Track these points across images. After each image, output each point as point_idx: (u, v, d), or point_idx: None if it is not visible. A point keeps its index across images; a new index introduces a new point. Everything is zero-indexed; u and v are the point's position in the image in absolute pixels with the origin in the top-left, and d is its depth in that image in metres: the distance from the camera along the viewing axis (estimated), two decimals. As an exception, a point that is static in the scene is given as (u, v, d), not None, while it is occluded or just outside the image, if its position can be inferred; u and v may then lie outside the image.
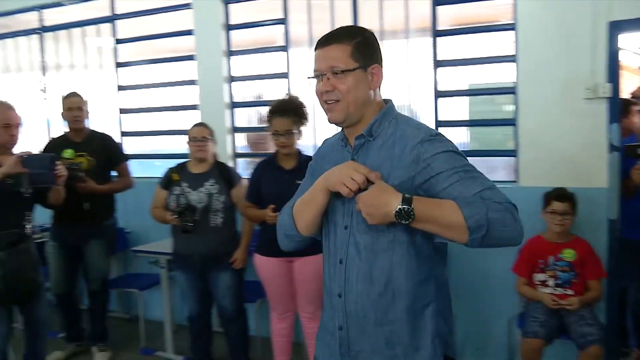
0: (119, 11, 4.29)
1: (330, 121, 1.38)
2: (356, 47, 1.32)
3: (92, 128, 3.56)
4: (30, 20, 4.73)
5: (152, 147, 4.79)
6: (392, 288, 1.30)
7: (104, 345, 3.56)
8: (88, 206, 3.30)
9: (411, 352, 1.32)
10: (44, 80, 4.78)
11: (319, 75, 1.35)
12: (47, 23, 4.68)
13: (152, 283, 3.77)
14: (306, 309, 2.89)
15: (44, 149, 3.43)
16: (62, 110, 3.40)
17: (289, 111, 2.77)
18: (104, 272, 3.54)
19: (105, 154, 3.44)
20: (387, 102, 1.42)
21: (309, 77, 1.38)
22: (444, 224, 1.21)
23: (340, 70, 1.31)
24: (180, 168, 3.09)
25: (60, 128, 3.71)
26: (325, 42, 1.35)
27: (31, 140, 4.43)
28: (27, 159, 2.61)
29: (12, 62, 4.96)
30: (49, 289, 3.33)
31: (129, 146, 4.38)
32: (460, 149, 1.33)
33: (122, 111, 4.42)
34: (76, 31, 4.57)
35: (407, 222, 1.20)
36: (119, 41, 4.34)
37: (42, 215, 3.27)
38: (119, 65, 4.37)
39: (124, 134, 4.41)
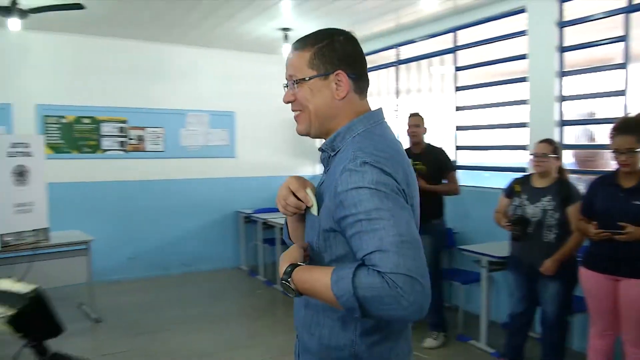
0: (460, 42, 5.01)
1: (298, 132, 1.33)
2: (316, 54, 1.24)
3: (428, 142, 4.23)
4: (389, 55, 5.99)
5: (482, 160, 5.31)
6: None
7: (438, 333, 4.09)
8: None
9: None
10: (397, 103, 5.93)
11: (285, 85, 1.31)
12: (402, 57, 5.83)
13: (472, 279, 4.29)
14: (629, 333, 2.78)
15: None
16: (406, 127, 4.16)
17: (632, 129, 2.72)
18: (434, 267, 3.99)
19: (436, 164, 4.05)
20: (370, 113, 1.29)
21: (284, 86, 1.32)
22: (324, 299, 1.11)
23: (297, 79, 1.26)
24: (524, 180, 3.34)
25: (406, 142, 4.45)
26: (291, 49, 1.30)
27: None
28: None
29: (374, 88, 6.32)
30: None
31: (462, 158, 5.05)
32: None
33: (458, 128, 5.11)
34: (424, 62, 5.56)
35: (292, 295, 1.16)
36: (458, 68, 5.06)
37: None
38: (458, 89, 5.08)
39: (458, 147, 5.09)
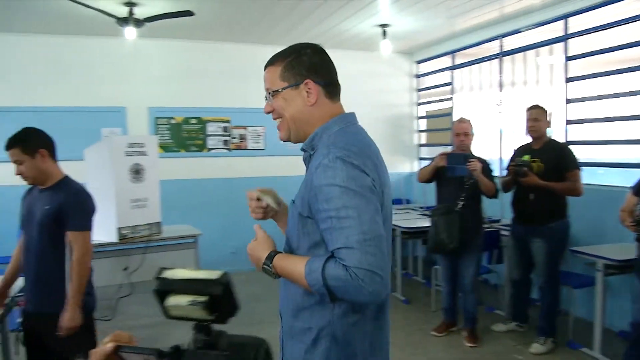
0: (571, 30, 4.66)
1: (280, 139, 1.48)
2: (285, 67, 1.39)
3: (552, 138, 3.97)
4: (492, 47, 5.72)
5: (595, 155, 4.93)
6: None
7: (546, 339, 3.86)
8: (533, 196, 3.82)
9: None
10: (501, 96, 5.65)
11: (265, 97, 1.45)
12: (506, 48, 5.53)
13: (585, 283, 4.00)
14: None
15: (513, 154, 4.07)
16: (525, 121, 3.92)
17: None
18: (549, 270, 3.85)
19: (556, 161, 3.78)
20: (344, 115, 1.44)
21: (264, 97, 1.45)
22: (300, 285, 1.31)
23: (272, 91, 1.41)
24: None
25: (523, 137, 4.18)
26: (266, 65, 1.44)
27: (487, 145, 5.44)
28: (448, 155, 3.94)
29: (476, 83, 6.08)
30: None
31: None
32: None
33: (569, 122, 4.76)
34: (530, 52, 5.24)
35: (273, 277, 1.37)
36: (569, 58, 4.71)
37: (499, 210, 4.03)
38: (568, 80, 4.74)
39: (569, 142, 4.73)
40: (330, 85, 1.43)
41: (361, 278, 1.17)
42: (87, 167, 4.27)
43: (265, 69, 1.44)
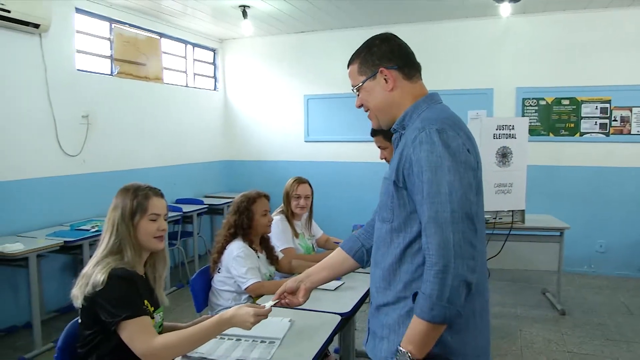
0: None
1: (373, 128, 1.62)
2: (360, 63, 1.50)
3: None
4: None
5: None
6: None
7: None
8: None
9: None
10: None
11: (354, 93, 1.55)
12: None
13: None
14: None
15: None
16: None
17: None
18: None
19: None
20: (430, 94, 1.48)
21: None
22: (435, 333, 1.28)
23: (356, 87, 1.52)
24: None
25: None
26: (347, 65, 1.55)
27: None
28: None
29: None
30: None
31: None
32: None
33: None
34: None
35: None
36: None
37: None
38: None
39: None
40: (406, 67, 1.48)
41: (444, 265, 1.22)
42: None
43: (348, 70, 1.55)
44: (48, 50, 4.47)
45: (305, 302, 1.77)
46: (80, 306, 1.78)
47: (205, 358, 1.74)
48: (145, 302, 1.82)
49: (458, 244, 1.22)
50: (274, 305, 1.72)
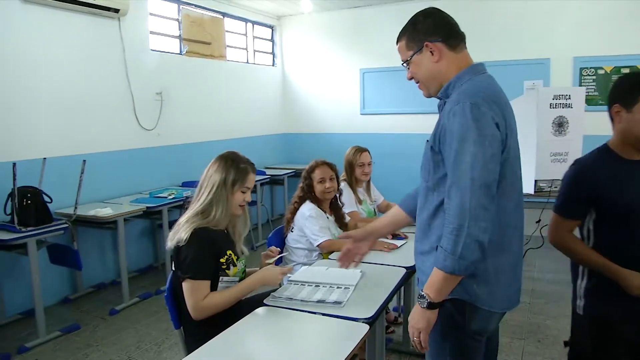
0: None
1: (425, 97, 1.72)
2: (407, 39, 1.64)
3: None
4: None
5: None
6: None
7: None
8: None
9: None
10: None
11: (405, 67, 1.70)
12: None
13: None
14: None
15: None
16: None
17: None
18: None
19: None
20: (474, 65, 1.60)
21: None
22: (452, 281, 1.48)
23: (405, 62, 1.66)
24: None
25: None
26: (396, 43, 1.69)
27: None
28: None
29: None
30: None
31: None
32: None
33: None
34: None
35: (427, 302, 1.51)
36: None
37: None
38: None
39: None
40: (450, 39, 1.59)
41: (459, 224, 1.39)
42: (510, 119, 4.45)
43: (397, 46, 1.68)
44: (126, 33, 4.85)
45: (368, 252, 2.08)
46: (172, 253, 2.12)
47: (291, 298, 2.03)
48: (229, 252, 2.15)
49: (474, 207, 1.37)
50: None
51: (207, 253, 2.06)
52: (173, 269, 2.15)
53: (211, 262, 2.07)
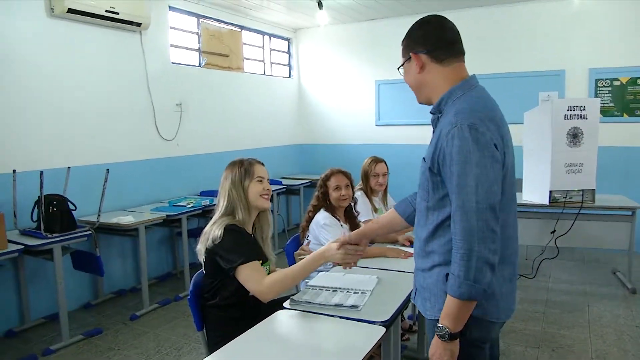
0: None
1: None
2: (403, 47, 1.69)
3: None
4: None
5: None
6: None
7: None
8: None
9: None
10: None
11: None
12: None
13: None
14: None
15: None
16: None
17: None
18: None
19: None
20: (466, 80, 1.60)
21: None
22: (467, 308, 1.48)
23: (398, 68, 1.75)
24: None
25: None
26: None
27: None
28: None
29: None
30: None
31: None
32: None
33: None
34: None
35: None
36: None
37: None
38: None
39: None
40: (436, 51, 1.59)
41: (469, 249, 1.40)
42: (524, 130, 4.50)
43: None
44: (147, 46, 5.01)
45: (363, 252, 2.14)
46: (204, 259, 2.20)
47: (310, 302, 2.10)
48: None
49: (481, 230, 1.39)
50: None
51: (247, 240, 2.17)
52: (204, 271, 2.23)
53: (254, 246, 2.16)
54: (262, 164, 2.35)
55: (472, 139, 1.42)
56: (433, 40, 1.60)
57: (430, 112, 1.67)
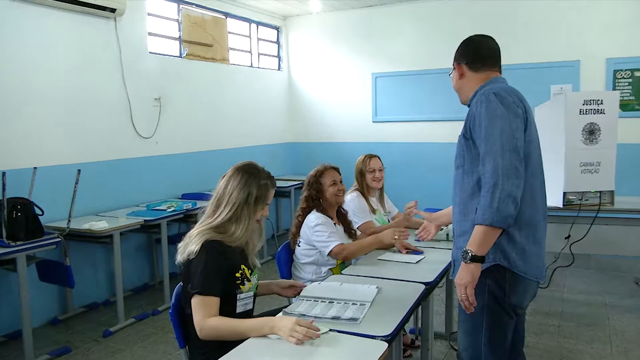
0: None
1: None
2: (455, 56, 2.23)
3: None
4: None
5: None
6: None
7: None
8: None
9: None
10: None
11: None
12: None
13: None
14: None
15: None
16: None
17: None
18: None
19: None
20: (495, 77, 2.13)
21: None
22: (493, 234, 1.85)
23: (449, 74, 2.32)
24: None
25: None
26: None
27: None
28: None
29: None
30: None
31: None
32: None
33: None
34: None
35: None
36: None
37: None
38: None
39: None
40: (473, 62, 2.14)
41: (494, 182, 1.77)
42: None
43: None
44: (122, 34, 4.95)
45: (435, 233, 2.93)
46: (180, 267, 2.16)
47: (304, 314, 2.06)
48: (243, 266, 2.18)
49: (505, 167, 1.77)
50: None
51: (219, 267, 2.09)
52: (182, 283, 2.19)
53: (222, 277, 2.11)
54: (274, 186, 2.34)
55: (498, 100, 1.88)
56: (471, 55, 2.16)
57: (467, 105, 2.15)
